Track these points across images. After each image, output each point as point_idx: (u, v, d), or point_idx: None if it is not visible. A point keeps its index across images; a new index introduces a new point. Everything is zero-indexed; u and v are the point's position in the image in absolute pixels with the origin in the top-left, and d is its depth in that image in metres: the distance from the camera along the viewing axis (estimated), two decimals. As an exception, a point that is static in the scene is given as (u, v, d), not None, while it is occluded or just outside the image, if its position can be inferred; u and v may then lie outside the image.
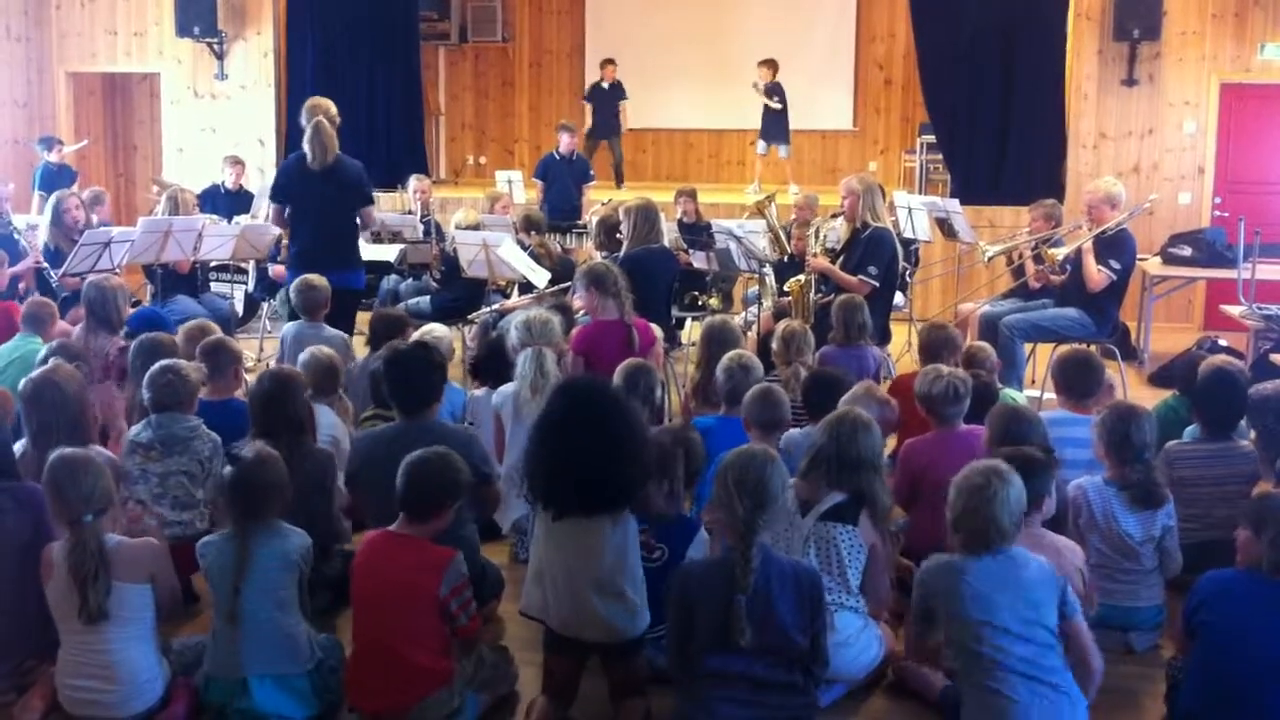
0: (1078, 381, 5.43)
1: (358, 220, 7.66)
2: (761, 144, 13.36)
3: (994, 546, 3.68)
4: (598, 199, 11.15)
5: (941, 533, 4.79)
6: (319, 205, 7.42)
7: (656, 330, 6.70)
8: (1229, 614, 3.73)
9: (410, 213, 10.37)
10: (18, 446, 4.72)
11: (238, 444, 4.76)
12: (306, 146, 7.35)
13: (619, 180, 13.63)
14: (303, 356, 5.78)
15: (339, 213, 7.49)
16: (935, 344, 6.06)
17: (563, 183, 11.82)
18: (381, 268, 9.10)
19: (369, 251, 9.08)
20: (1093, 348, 7.86)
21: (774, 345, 6.19)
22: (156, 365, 5.05)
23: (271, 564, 3.94)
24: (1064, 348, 5.78)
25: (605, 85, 13.79)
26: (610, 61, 13.85)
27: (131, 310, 7.40)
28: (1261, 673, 3.67)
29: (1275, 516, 3.72)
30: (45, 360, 5.70)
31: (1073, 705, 3.66)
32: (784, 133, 13.21)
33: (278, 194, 7.61)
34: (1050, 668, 3.65)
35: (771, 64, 13.25)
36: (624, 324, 6.27)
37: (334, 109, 7.54)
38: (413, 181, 10.73)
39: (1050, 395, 5.81)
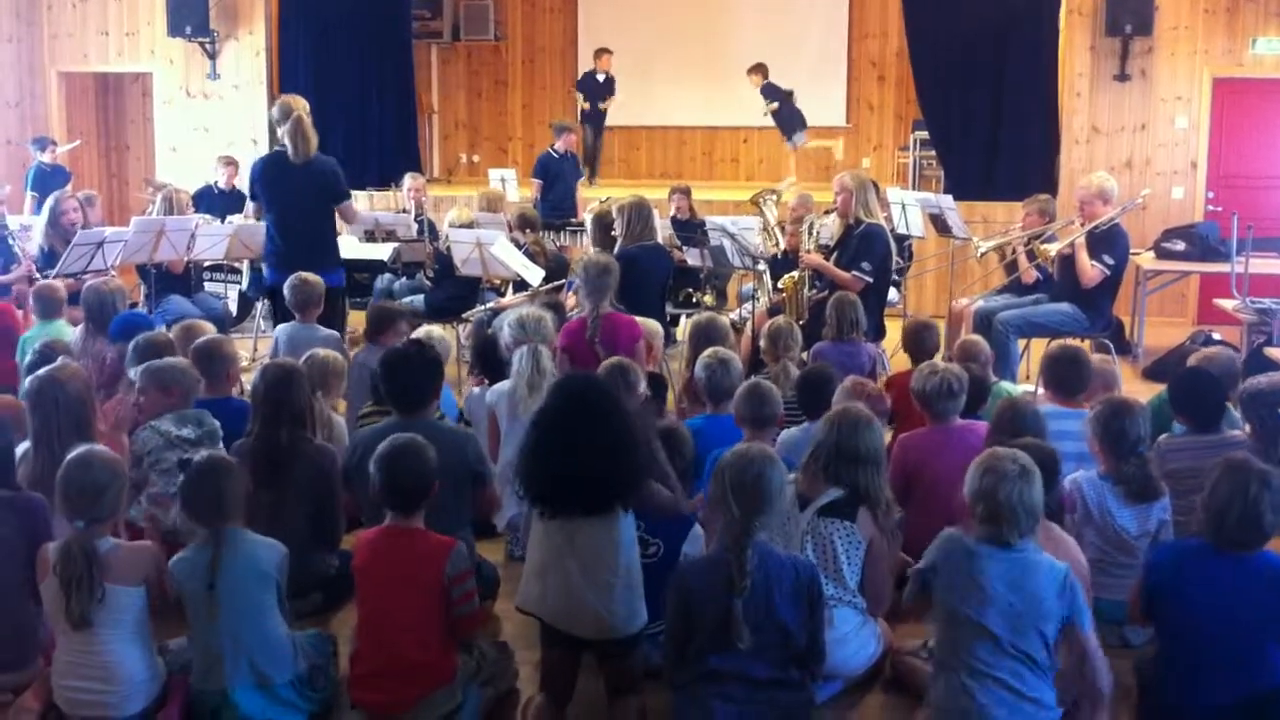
0: (1068, 378, 5.44)
1: (335, 217, 7.62)
2: (789, 143, 13.46)
3: (1016, 534, 3.63)
4: (593, 196, 11.15)
5: (938, 528, 4.81)
6: (294, 203, 7.38)
7: (653, 325, 6.69)
8: (1191, 592, 3.79)
9: (404, 211, 10.37)
10: (22, 447, 4.72)
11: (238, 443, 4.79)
12: (288, 142, 7.31)
13: (590, 175, 13.62)
14: (303, 361, 5.77)
15: (314, 210, 7.43)
16: (914, 339, 6.20)
17: (564, 181, 11.82)
18: (375, 266, 9.10)
19: (363, 250, 9.10)
20: (1086, 342, 7.90)
21: (762, 343, 6.20)
22: (170, 361, 5.10)
23: (245, 571, 3.89)
24: (1054, 344, 5.81)
25: (600, 77, 13.78)
26: (606, 50, 13.86)
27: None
28: (1217, 638, 3.75)
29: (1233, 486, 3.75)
30: (37, 361, 5.70)
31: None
32: (797, 122, 13.29)
33: (253, 193, 7.60)
34: (1026, 680, 3.62)
35: (760, 68, 13.30)
36: (587, 321, 6.29)
37: (307, 105, 7.52)
38: (407, 180, 10.73)
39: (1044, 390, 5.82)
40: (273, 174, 7.42)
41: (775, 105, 13.26)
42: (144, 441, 4.91)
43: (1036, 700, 3.63)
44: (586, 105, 13.73)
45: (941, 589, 3.71)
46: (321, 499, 4.73)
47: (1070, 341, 6.67)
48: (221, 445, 4.98)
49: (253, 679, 3.88)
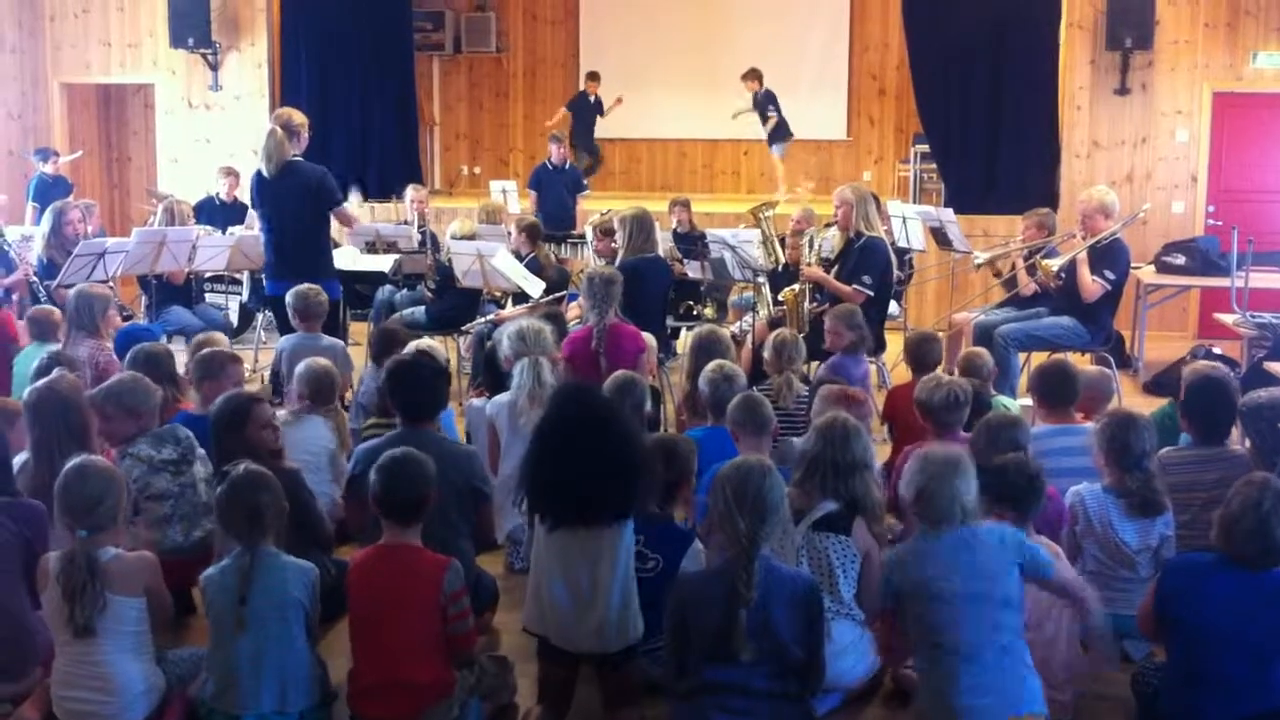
0: (1058, 390, 5.46)
1: (329, 226, 7.61)
2: (776, 150, 13.50)
3: (949, 525, 3.75)
4: (595, 209, 11.16)
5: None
6: (279, 214, 7.44)
7: (650, 340, 6.70)
8: (1202, 605, 3.81)
9: (406, 223, 10.37)
10: (20, 458, 4.70)
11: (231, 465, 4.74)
12: (260, 155, 7.41)
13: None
14: (299, 368, 5.78)
15: (300, 221, 7.43)
16: (916, 351, 6.24)
17: (556, 192, 11.85)
18: (375, 278, 9.10)
19: (364, 262, 9.08)
20: (1087, 356, 7.90)
21: (766, 354, 6.21)
22: (131, 384, 5.01)
23: (274, 593, 3.86)
24: (1040, 359, 5.82)
25: (591, 99, 13.90)
26: (596, 76, 13.97)
27: (123, 323, 7.41)
28: (1225, 649, 3.76)
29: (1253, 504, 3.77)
30: (42, 370, 5.69)
31: (1020, 682, 3.69)
32: (785, 132, 13.35)
33: (254, 204, 7.65)
34: (998, 645, 3.67)
35: (755, 74, 13.33)
36: (592, 331, 6.31)
37: (297, 117, 7.52)
38: (410, 191, 10.72)
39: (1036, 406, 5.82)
40: (259, 187, 7.50)
41: (774, 118, 13.28)
42: (125, 471, 4.74)
43: (1004, 666, 3.68)
44: (566, 116, 13.81)
45: (907, 589, 3.81)
46: (293, 515, 4.64)
47: (1055, 356, 6.69)
48: (203, 454, 4.98)
49: (272, 705, 3.83)
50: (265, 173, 7.36)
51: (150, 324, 7.97)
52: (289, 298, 6.92)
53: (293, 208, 7.39)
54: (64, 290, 8.06)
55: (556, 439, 4.01)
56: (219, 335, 6.56)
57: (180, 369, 5.92)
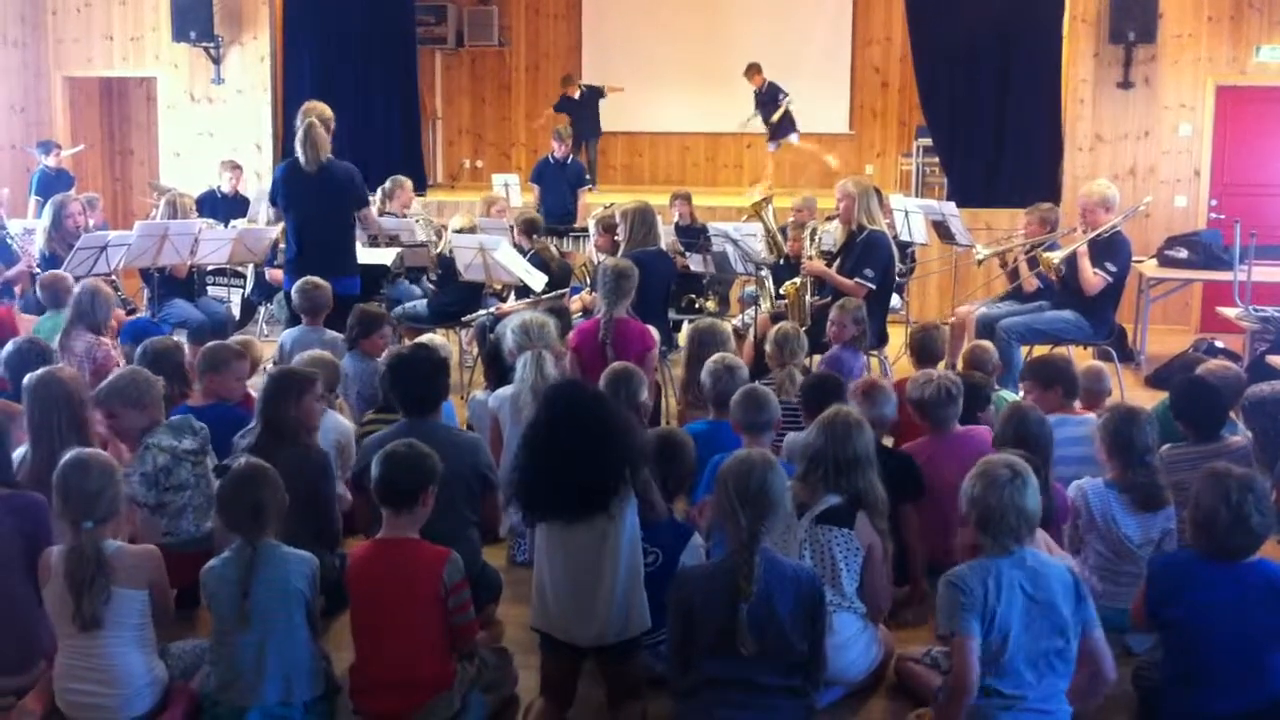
0: (1056, 382, 5.46)
1: (355, 223, 7.62)
2: (772, 145, 13.47)
3: (1013, 539, 3.62)
4: (597, 203, 11.16)
5: (939, 535, 4.82)
6: (310, 209, 7.39)
7: (655, 333, 6.70)
8: (1192, 605, 3.80)
9: (418, 217, 10.31)
10: (18, 452, 4.70)
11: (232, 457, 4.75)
12: (298, 149, 7.35)
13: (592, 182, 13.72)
14: (297, 360, 5.78)
15: (330, 216, 7.41)
16: (920, 344, 6.22)
17: (557, 187, 11.87)
18: (379, 271, 9.08)
19: (366, 255, 9.06)
20: (1089, 350, 7.90)
21: (767, 348, 6.21)
22: (131, 377, 5.01)
23: (277, 585, 3.85)
24: (1037, 350, 5.82)
25: (576, 95, 13.93)
26: (569, 80, 14.11)
27: (126, 317, 7.40)
28: (1220, 649, 3.75)
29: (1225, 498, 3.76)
30: (10, 355, 5.68)
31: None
32: (789, 126, 13.34)
33: (274, 198, 7.60)
34: (1043, 694, 3.62)
35: (756, 69, 13.33)
36: (599, 324, 6.32)
37: (328, 112, 7.50)
38: (388, 185, 10.59)
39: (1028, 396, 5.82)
40: (290, 181, 7.44)
41: (780, 112, 13.28)
42: (152, 461, 4.82)
43: (1043, 711, 3.63)
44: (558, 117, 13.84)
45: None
46: (313, 501, 4.64)
47: (1055, 349, 6.69)
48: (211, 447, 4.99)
49: (276, 697, 3.83)
50: (304, 165, 7.30)
51: (155, 319, 7.96)
52: (293, 292, 6.93)
53: (324, 203, 7.35)
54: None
55: (542, 439, 3.99)
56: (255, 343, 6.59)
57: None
